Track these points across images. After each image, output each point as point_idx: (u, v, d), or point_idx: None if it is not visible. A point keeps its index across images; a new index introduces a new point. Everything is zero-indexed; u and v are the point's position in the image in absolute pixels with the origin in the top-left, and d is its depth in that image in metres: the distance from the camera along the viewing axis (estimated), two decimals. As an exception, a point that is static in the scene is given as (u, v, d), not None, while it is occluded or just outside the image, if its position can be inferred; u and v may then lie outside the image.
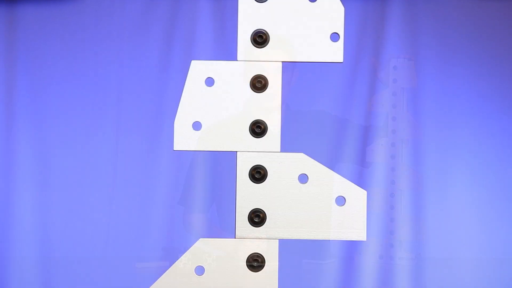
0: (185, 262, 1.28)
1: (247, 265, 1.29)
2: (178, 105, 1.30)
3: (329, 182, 1.29)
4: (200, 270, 1.29)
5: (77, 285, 2.49)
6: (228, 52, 2.48)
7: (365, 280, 2.50)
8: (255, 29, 1.31)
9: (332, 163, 2.48)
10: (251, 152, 1.30)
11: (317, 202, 1.29)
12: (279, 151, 1.30)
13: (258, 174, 1.29)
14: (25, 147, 2.49)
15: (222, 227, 2.50)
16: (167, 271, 1.27)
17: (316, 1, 1.31)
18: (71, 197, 2.50)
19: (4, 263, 2.48)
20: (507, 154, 2.50)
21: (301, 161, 1.30)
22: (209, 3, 2.50)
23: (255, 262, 1.28)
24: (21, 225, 2.50)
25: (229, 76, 1.30)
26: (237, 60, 1.31)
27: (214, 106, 1.30)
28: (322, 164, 1.30)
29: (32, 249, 2.50)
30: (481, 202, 2.51)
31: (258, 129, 1.30)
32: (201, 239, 1.29)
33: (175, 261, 1.28)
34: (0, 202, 2.50)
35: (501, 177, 2.51)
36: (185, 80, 1.31)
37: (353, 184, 1.30)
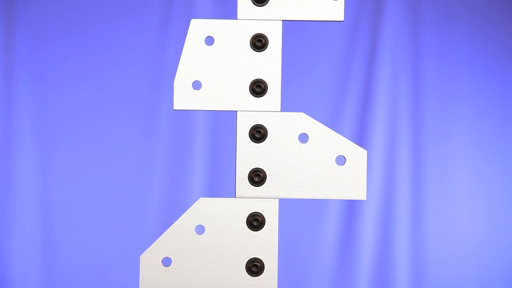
0: (185, 221, 1.28)
1: (247, 224, 1.29)
2: (178, 64, 1.30)
3: (330, 141, 1.29)
4: (200, 229, 1.29)
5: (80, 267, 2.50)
6: (228, 10, 2.47)
7: (365, 238, 2.51)
8: (255, -13, 1.30)
9: (332, 123, 2.48)
10: (251, 111, 1.30)
11: (318, 162, 1.29)
12: (280, 110, 1.30)
13: (258, 134, 1.29)
14: (24, 102, 2.48)
15: (222, 186, 2.51)
16: (167, 230, 1.28)
17: (317, -41, 1.30)
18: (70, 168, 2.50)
19: (4, 261, 2.48)
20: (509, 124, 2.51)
21: (302, 121, 1.30)
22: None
23: (255, 222, 1.29)
24: (21, 201, 2.51)
25: (229, 35, 1.30)
26: (237, 19, 1.30)
27: (214, 65, 1.30)
28: (323, 123, 1.30)
29: (32, 234, 2.51)
30: (482, 171, 2.52)
31: (258, 88, 1.29)
32: (201, 198, 1.29)
33: (175, 221, 1.29)
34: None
35: (504, 146, 2.51)
36: (185, 39, 1.30)
37: (353, 143, 1.30)
